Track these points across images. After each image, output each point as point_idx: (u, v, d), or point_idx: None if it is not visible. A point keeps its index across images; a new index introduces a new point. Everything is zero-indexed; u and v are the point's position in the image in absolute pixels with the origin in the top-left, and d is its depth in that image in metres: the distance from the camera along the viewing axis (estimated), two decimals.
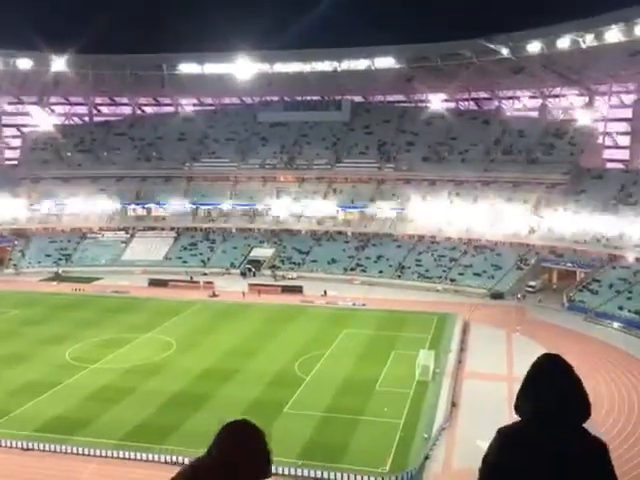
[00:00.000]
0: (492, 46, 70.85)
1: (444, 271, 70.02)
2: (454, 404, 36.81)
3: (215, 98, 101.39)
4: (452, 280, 68.33)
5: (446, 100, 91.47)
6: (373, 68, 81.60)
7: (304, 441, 32.40)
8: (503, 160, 77.56)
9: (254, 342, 49.20)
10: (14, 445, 31.47)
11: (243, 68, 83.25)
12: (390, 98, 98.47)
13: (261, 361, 44.70)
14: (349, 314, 57.84)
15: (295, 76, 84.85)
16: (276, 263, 76.22)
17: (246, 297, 63.14)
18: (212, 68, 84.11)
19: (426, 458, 30.54)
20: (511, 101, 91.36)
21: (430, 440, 32.28)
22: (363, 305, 60.51)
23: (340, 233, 79.99)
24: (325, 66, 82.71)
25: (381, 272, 71.80)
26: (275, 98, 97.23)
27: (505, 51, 71.37)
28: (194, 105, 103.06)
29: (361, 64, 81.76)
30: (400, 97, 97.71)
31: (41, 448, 31.28)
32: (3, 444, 31.59)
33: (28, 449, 31.26)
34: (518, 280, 65.94)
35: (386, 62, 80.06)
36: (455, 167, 78.10)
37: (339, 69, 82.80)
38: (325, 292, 63.79)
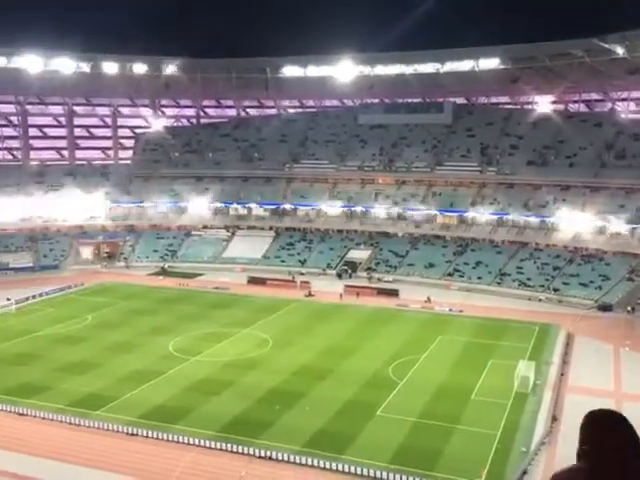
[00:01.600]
0: (606, 45, 67.26)
1: (547, 280, 67.25)
2: (555, 418, 35.23)
3: (316, 100, 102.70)
4: (555, 290, 65.49)
5: (554, 102, 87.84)
6: (477, 69, 79.66)
7: (396, 445, 32.12)
8: (615, 165, 73.47)
9: (349, 343, 49.38)
10: (120, 430, 33.23)
11: (344, 71, 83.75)
12: (494, 100, 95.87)
13: (355, 362, 44.77)
14: (445, 320, 56.81)
15: (396, 78, 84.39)
16: (372, 265, 76.09)
17: (342, 298, 63.43)
18: (314, 71, 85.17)
19: (524, 473, 29.42)
20: (625, 103, 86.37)
21: (529, 455, 31.08)
22: (460, 311, 59.22)
23: (438, 237, 78.71)
24: (427, 68, 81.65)
25: (480, 278, 69.98)
26: (375, 100, 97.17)
27: (620, 50, 67.54)
28: (296, 107, 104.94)
29: (464, 65, 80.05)
30: (505, 99, 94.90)
31: (144, 434, 32.83)
32: (111, 428, 33.43)
33: (133, 434, 32.91)
34: (629, 292, 62.21)
35: (490, 63, 77.93)
36: (562, 172, 74.84)
37: (441, 70, 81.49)
38: (429, 298, 62.13)
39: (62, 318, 55.81)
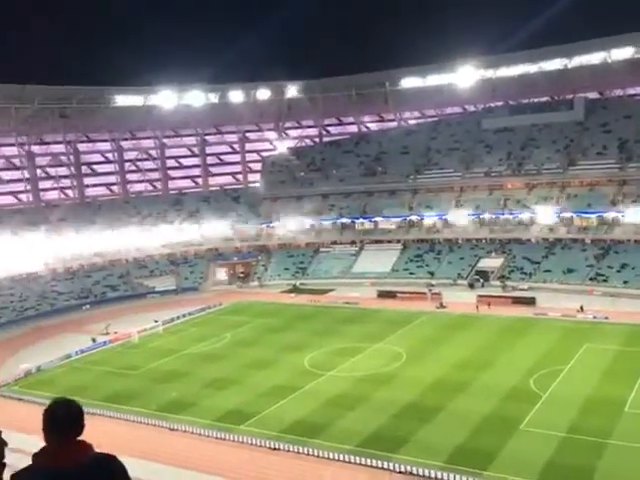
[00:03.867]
0: None
1: None
2: None
3: (437, 109, 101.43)
4: None
5: None
6: (609, 60, 75.03)
7: (544, 462, 30.45)
8: None
9: (485, 355, 47.77)
10: (263, 444, 34.26)
11: (465, 76, 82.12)
12: (631, 91, 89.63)
13: (493, 375, 43.18)
14: (589, 328, 53.38)
15: (520, 79, 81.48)
16: (505, 273, 73.37)
17: (478, 310, 61.51)
18: (434, 80, 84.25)
19: None
20: None
21: None
22: (606, 318, 55.41)
23: (576, 241, 74.43)
24: (554, 64, 78.09)
25: (626, 282, 65.20)
26: (499, 103, 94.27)
27: None
28: (416, 118, 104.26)
29: (595, 58, 75.74)
30: None
31: (286, 449, 33.61)
32: (254, 442, 34.57)
33: (275, 449, 33.80)
34: None
35: (624, 52, 73.09)
36: None
37: (569, 66, 77.56)
38: (582, 307, 57.84)
39: (204, 337, 58.77)
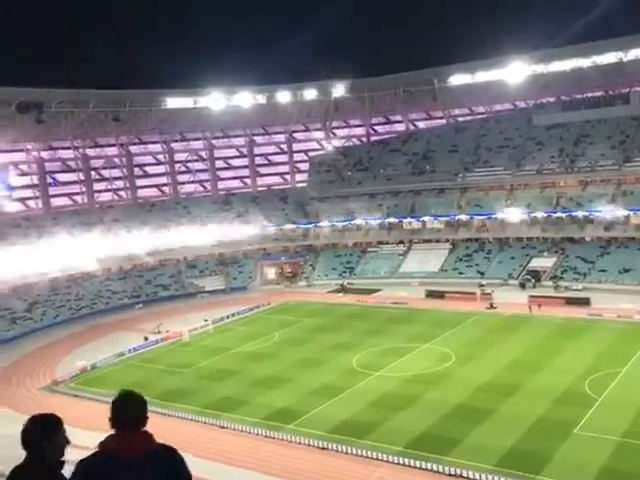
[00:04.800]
0: None
1: None
2: None
3: (486, 106, 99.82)
4: None
5: None
6: None
7: (599, 467, 29.63)
8: None
9: (537, 356, 46.76)
10: (312, 443, 34.39)
11: (515, 72, 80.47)
12: None
13: (545, 377, 42.23)
14: None
15: (573, 73, 79.28)
16: (558, 273, 71.65)
17: (531, 310, 60.17)
18: (483, 76, 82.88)
19: None
20: None
21: None
22: None
23: (633, 239, 72.05)
24: (609, 58, 75.59)
25: None
26: (551, 99, 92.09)
27: None
28: (465, 115, 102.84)
29: None
30: None
31: (335, 448, 33.64)
32: (303, 442, 34.74)
33: (324, 448, 33.88)
34: None
35: None
36: None
37: (625, 59, 75.03)
38: None
39: (252, 336, 59.39)
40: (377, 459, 32.14)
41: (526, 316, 58.84)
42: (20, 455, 4.18)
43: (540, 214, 78.38)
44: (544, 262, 74.21)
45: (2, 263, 71.29)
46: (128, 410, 4.20)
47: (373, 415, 37.90)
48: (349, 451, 33.10)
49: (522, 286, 70.33)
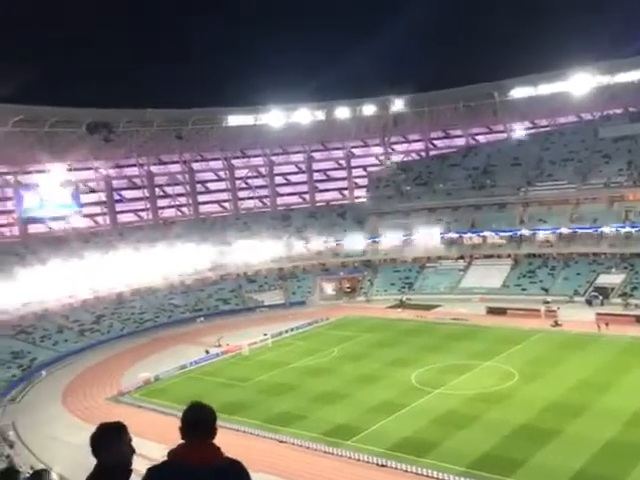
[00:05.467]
0: None
1: None
2: None
3: (549, 119, 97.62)
4: None
5: None
6: None
7: None
8: None
9: (605, 376, 44.95)
10: (371, 460, 34.02)
11: (580, 83, 78.50)
12: None
13: (615, 398, 40.51)
14: None
15: None
16: (627, 290, 68.92)
17: (600, 329, 57.96)
18: (545, 89, 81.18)
19: None
20: None
21: None
22: None
23: None
24: None
25: None
26: (618, 110, 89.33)
27: None
28: (527, 128, 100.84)
29: None
30: None
31: (394, 466, 33.18)
32: (362, 458, 34.42)
33: (383, 466, 33.45)
34: None
35: None
36: None
37: None
38: None
39: (311, 351, 59.47)
40: (438, 478, 31.49)
41: (593, 334, 56.76)
42: (88, 463, 4.30)
43: (608, 229, 75.78)
44: (612, 279, 71.55)
45: (73, 277, 74.24)
46: (199, 421, 4.28)
47: (434, 433, 37.21)
48: (409, 469, 32.56)
49: (589, 303, 67.99)
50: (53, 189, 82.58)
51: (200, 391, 49.49)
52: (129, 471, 4.27)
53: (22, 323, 69.24)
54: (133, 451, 4.25)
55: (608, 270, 73.27)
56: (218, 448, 4.25)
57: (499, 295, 74.66)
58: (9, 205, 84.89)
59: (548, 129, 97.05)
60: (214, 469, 4.11)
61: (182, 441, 4.28)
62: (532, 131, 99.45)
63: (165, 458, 4.26)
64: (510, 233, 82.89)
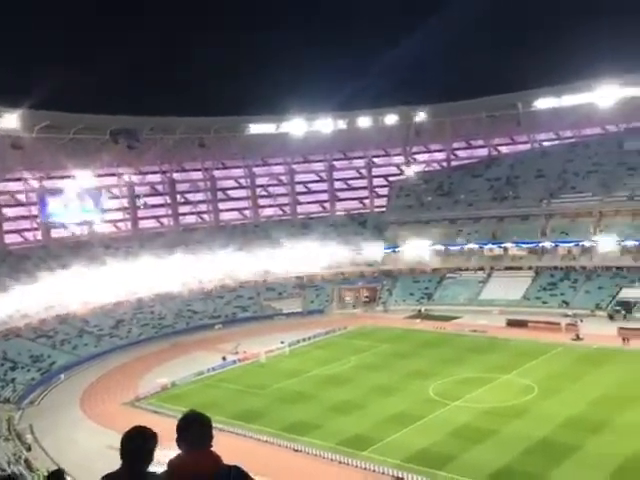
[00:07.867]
0: None
1: None
2: None
3: (574, 130, 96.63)
4: None
5: None
6: None
7: None
8: None
9: (626, 392, 44.14)
10: (386, 472, 33.72)
11: (605, 95, 77.67)
12: None
13: (636, 414, 39.74)
14: None
15: None
16: None
17: (615, 341, 57.14)
18: (570, 100, 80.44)
19: None
20: None
21: None
22: None
23: None
24: None
25: None
26: None
27: None
28: (551, 140, 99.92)
29: None
30: None
31: (410, 478, 32.84)
32: (378, 470, 34.13)
33: (399, 478, 33.13)
34: None
35: None
36: None
37: None
38: None
39: (328, 360, 59.25)
40: None
41: (615, 349, 55.85)
42: (103, 467, 4.30)
43: (632, 242, 74.67)
44: (635, 293, 70.40)
45: (94, 282, 75.01)
46: (193, 430, 4.25)
47: (451, 446, 36.81)
48: None
49: (611, 317, 66.97)
50: (77, 195, 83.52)
51: (216, 398, 49.58)
52: (149, 474, 4.31)
53: (43, 327, 70.05)
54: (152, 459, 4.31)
55: (631, 284, 72.11)
56: (217, 456, 4.20)
57: (519, 307, 73.77)
58: (33, 210, 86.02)
59: (572, 140, 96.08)
60: (213, 477, 4.06)
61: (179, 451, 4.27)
62: (556, 142, 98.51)
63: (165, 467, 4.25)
64: (532, 245, 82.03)
